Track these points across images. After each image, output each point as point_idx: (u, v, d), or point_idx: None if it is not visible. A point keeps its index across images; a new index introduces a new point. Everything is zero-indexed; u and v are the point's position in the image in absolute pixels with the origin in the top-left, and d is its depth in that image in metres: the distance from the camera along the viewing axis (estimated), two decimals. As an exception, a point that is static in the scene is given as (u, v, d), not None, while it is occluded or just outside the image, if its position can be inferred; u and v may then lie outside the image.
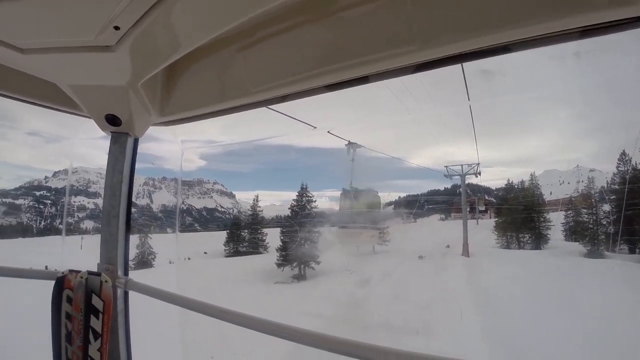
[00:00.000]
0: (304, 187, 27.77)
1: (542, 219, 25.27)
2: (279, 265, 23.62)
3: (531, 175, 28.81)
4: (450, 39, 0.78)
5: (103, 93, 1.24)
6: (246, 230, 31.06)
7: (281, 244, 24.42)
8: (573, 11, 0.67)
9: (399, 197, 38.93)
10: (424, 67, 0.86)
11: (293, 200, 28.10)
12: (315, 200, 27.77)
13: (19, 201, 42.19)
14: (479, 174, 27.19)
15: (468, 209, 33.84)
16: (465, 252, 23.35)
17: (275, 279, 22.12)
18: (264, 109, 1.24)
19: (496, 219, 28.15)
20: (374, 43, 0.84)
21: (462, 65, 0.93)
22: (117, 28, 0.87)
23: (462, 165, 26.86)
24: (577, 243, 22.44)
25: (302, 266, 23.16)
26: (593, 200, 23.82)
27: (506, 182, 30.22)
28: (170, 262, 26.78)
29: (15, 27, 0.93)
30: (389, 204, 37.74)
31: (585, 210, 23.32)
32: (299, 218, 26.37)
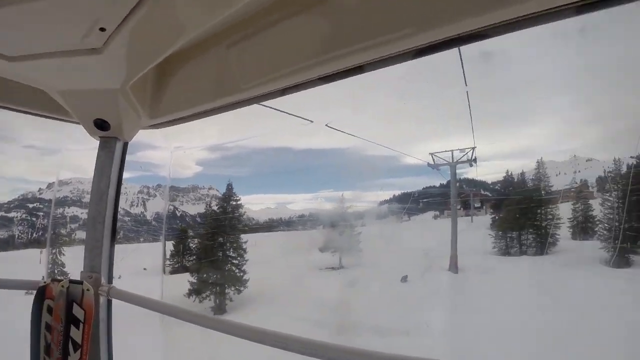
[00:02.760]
0: (230, 187, 22.05)
1: (551, 216, 21.03)
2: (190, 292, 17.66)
3: (537, 162, 24.95)
4: (448, 19, 0.73)
5: (92, 97, 1.23)
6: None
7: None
8: None
9: (394, 195, 39.36)
10: (421, 52, 0.83)
11: (216, 205, 22.40)
12: (242, 206, 22.26)
13: (12, 214, 41.07)
14: (475, 161, 22.00)
15: (460, 206, 31.09)
16: (453, 265, 18.97)
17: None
18: (258, 108, 1.23)
19: (493, 216, 24.78)
20: (369, 29, 0.81)
21: (459, 49, 0.89)
22: (102, 29, 0.86)
23: (452, 151, 22.41)
24: (591, 242, 18.83)
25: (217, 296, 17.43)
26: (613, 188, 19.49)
27: (505, 175, 27.44)
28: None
29: (2, 35, 0.91)
30: (383, 202, 38.08)
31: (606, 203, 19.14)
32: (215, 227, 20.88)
